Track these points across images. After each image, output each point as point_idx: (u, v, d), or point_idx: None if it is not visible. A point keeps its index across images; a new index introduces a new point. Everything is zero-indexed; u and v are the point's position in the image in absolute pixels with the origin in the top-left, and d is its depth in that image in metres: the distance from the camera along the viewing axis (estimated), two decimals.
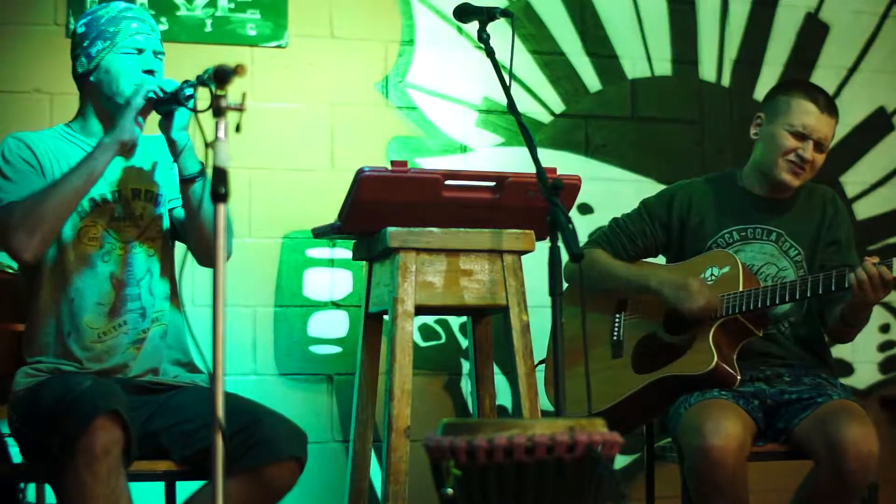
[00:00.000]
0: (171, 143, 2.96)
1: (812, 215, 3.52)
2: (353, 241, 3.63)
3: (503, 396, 4.17)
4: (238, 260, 3.91)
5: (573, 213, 3.95)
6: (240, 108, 2.37)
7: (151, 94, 2.90)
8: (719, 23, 4.63)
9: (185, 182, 2.98)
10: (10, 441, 3.05)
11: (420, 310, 3.39)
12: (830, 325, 3.44)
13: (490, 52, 3.18)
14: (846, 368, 4.62)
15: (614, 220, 3.65)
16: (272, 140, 4.09)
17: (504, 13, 3.24)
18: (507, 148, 4.34)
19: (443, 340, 4.26)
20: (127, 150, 2.97)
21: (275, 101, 4.11)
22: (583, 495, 2.24)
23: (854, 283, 3.16)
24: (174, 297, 3.13)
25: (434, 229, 3.38)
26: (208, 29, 4.07)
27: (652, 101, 4.54)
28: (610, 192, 4.40)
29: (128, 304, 3.04)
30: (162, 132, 2.97)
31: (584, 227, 4.35)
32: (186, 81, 2.81)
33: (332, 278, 4.14)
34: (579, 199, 3.67)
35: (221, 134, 2.35)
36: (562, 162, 4.27)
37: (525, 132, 3.02)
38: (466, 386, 4.22)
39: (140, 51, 3.02)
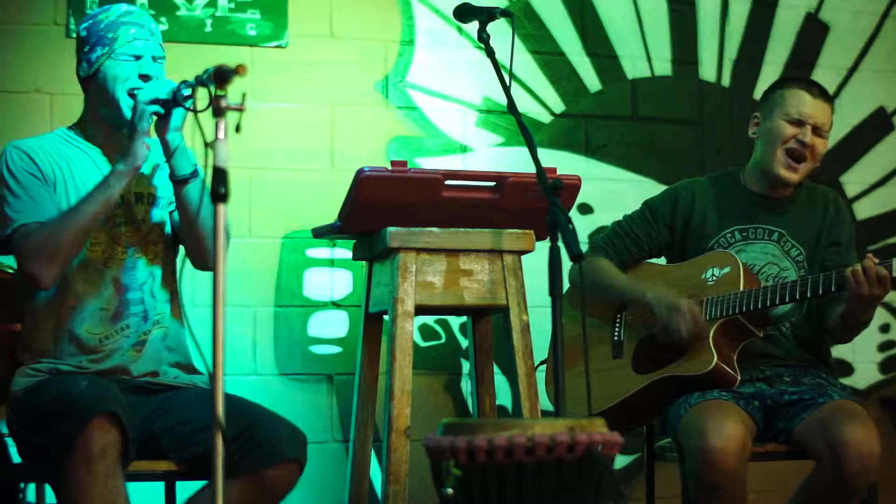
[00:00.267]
0: (165, 144, 2.95)
1: (814, 216, 3.52)
2: (353, 241, 3.63)
3: (503, 396, 4.17)
4: (238, 260, 3.92)
5: (573, 213, 3.95)
6: (240, 108, 2.37)
7: (154, 114, 2.90)
8: (719, 23, 4.63)
9: (178, 183, 2.97)
10: (10, 441, 3.05)
11: (420, 310, 3.39)
12: (830, 326, 3.44)
13: (490, 52, 3.18)
14: (846, 368, 4.62)
15: (617, 222, 3.64)
16: (272, 140, 4.09)
17: (504, 13, 3.24)
18: (507, 148, 4.34)
19: (443, 340, 4.26)
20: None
21: (275, 101, 4.11)
22: (583, 495, 2.24)
23: (849, 277, 3.17)
24: (175, 299, 3.13)
25: (434, 229, 3.38)
26: (208, 29, 4.07)
27: (652, 101, 4.54)
28: (610, 192, 4.40)
29: (130, 308, 3.03)
30: (156, 132, 2.97)
31: (584, 227, 4.36)
32: (185, 81, 2.80)
33: (332, 278, 4.14)
34: (579, 199, 3.67)
35: (221, 134, 2.35)
36: (562, 162, 4.27)
37: (525, 132, 3.02)
38: (466, 386, 4.22)
39: (138, 57, 3.00)
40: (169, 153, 2.95)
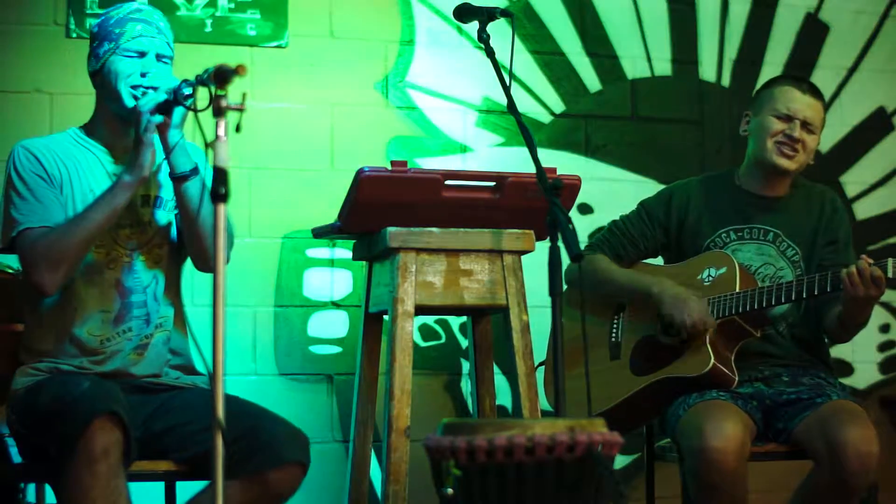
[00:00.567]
0: (164, 141, 2.95)
1: (810, 215, 3.52)
2: (353, 241, 3.63)
3: (503, 396, 4.17)
4: (238, 260, 3.90)
5: (573, 213, 3.95)
6: (240, 108, 2.37)
7: (158, 121, 2.90)
8: (719, 23, 4.63)
9: (177, 180, 2.96)
10: (11, 441, 3.04)
11: (420, 310, 3.38)
12: (828, 326, 3.44)
13: (490, 52, 3.18)
14: (846, 368, 4.62)
15: (613, 222, 3.65)
16: (272, 140, 4.09)
17: (504, 13, 3.24)
18: (507, 148, 4.34)
19: (443, 340, 4.26)
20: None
21: (275, 101, 4.11)
22: (583, 495, 2.24)
23: (844, 278, 3.17)
24: (179, 303, 3.13)
25: (434, 229, 3.38)
26: (208, 29, 4.07)
27: (652, 101, 4.54)
28: (610, 192, 4.40)
29: (133, 311, 3.03)
30: (156, 129, 2.96)
31: (584, 227, 4.36)
32: (185, 81, 2.80)
33: (332, 278, 4.14)
34: (579, 199, 3.67)
35: (221, 134, 2.35)
36: (562, 162, 4.26)
37: (525, 132, 3.02)
38: (466, 386, 4.22)
39: (142, 54, 3.00)
40: (168, 150, 2.95)
